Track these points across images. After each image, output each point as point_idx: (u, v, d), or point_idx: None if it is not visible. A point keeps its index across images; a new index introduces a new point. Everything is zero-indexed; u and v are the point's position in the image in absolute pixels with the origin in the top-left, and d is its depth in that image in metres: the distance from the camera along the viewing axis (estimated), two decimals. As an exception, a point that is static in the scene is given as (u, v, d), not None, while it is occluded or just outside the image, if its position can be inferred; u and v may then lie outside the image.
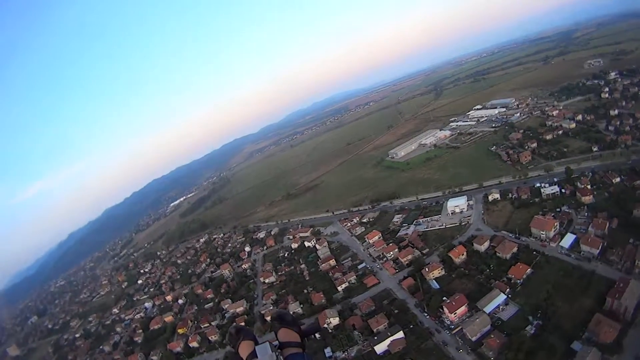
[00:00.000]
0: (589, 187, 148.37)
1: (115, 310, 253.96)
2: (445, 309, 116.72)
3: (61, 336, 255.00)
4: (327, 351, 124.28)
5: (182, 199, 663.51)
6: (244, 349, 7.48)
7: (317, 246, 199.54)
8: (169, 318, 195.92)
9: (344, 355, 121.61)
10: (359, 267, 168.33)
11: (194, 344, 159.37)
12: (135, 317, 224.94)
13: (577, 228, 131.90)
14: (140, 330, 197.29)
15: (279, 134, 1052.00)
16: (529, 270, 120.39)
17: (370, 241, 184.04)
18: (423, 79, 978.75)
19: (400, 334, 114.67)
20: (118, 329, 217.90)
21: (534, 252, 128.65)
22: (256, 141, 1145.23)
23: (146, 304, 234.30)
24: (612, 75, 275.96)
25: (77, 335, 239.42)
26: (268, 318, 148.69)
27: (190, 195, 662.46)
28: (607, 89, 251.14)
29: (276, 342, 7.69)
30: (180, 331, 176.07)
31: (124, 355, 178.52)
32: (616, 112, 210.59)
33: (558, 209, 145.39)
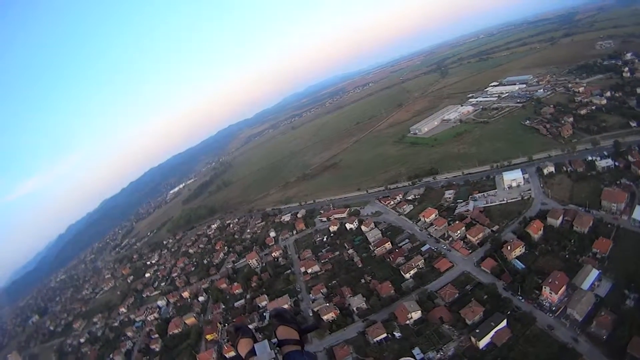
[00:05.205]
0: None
1: (123, 310, 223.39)
2: (546, 289, 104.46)
3: (64, 340, 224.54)
4: (417, 352, 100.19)
5: (181, 186, 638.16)
6: (243, 346, 7.30)
7: (363, 228, 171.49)
8: (190, 320, 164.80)
9: (439, 355, 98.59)
10: (423, 249, 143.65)
11: (231, 354, 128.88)
12: (148, 318, 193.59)
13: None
14: (157, 335, 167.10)
15: (276, 118, 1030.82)
16: (611, 244, 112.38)
17: (427, 220, 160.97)
18: (422, 59, 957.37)
19: (504, 323, 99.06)
20: (129, 333, 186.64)
21: (609, 225, 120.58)
22: (252, 126, 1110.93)
23: (159, 302, 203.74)
24: (629, 56, 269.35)
25: (82, 340, 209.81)
26: (325, 317, 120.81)
27: (190, 181, 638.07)
28: (627, 69, 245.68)
29: (275, 340, 7.50)
30: (209, 337, 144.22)
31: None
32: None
33: (617, 182, 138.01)
